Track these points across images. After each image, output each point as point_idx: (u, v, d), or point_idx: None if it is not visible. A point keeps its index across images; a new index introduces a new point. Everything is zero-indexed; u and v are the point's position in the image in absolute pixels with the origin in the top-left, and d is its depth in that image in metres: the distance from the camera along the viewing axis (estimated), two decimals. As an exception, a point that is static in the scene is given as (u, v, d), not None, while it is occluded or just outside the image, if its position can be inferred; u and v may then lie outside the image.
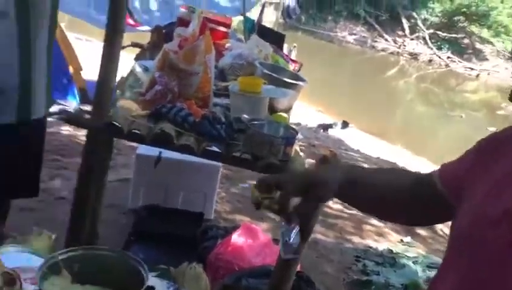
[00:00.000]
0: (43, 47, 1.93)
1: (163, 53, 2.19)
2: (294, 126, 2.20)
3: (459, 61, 18.25)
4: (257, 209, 1.00)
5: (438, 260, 3.46)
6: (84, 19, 6.15)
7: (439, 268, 0.91)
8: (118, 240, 2.74)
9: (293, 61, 3.27)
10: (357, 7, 19.76)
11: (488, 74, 17.74)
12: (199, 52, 2.15)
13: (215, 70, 2.54)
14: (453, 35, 19.13)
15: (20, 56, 1.85)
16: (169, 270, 1.40)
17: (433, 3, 20.13)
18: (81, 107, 5.03)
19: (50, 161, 3.85)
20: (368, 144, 7.44)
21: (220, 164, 3.00)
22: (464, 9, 19.29)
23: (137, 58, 3.74)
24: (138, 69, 2.62)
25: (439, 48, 19.00)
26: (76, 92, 5.10)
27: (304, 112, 8.29)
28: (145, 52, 3.50)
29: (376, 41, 19.69)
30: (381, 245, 3.73)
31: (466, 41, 19.26)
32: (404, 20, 19.74)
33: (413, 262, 3.50)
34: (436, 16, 19.97)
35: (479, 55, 18.93)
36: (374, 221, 4.02)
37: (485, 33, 19.03)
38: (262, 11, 6.40)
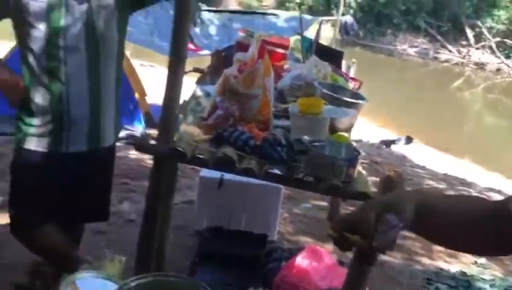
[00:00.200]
0: (112, 79, 2.04)
1: (224, 78, 2.25)
2: (355, 143, 2.17)
3: (530, 69, 17.34)
4: (346, 251, 0.98)
5: (517, 282, 3.26)
6: (148, 47, 6.44)
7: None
8: (184, 261, 2.79)
9: (353, 79, 3.24)
10: (417, 19, 19.32)
11: None
12: (258, 76, 2.18)
13: (275, 92, 2.57)
14: (522, 42, 18.25)
15: (90, 88, 1.97)
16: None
17: (498, 11, 19.32)
18: (147, 131, 5.24)
19: (119, 184, 4.01)
20: (433, 160, 7.18)
21: (282, 184, 3.00)
22: (533, 15, 18.39)
23: (199, 82, 3.85)
24: (200, 94, 2.70)
25: (508, 57, 18.14)
26: (142, 116, 5.31)
27: (365, 128, 8.14)
28: (206, 77, 3.60)
29: (439, 52, 19.11)
30: (454, 267, 3.56)
31: (537, 47, 18.30)
32: (468, 30, 19.06)
33: (490, 285, 3.31)
34: (503, 23, 19.13)
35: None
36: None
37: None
38: (319, 29, 6.40)
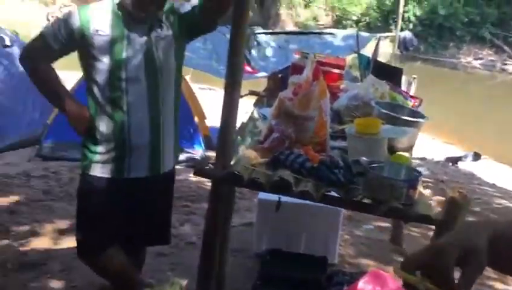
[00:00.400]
0: (171, 106, 2.10)
1: (279, 101, 2.26)
2: (419, 161, 2.10)
3: None
4: None
5: None
6: (207, 71, 6.61)
7: None
8: (244, 284, 2.79)
9: (412, 97, 3.15)
10: (481, 30, 18.62)
11: None
12: (314, 98, 2.18)
13: (331, 112, 2.55)
14: None
15: (150, 116, 2.04)
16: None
17: None
18: (207, 153, 5.33)
19: (180, 207, 4.09)
20: (504, 177, 6.79)
21: (341, 206, 2.94)
22: None
23: (256, 103, 3.90)
24: (257, 116, 2.73)
25: None
26: (201, 139, 5.43)
27: (429, 144, 7.87)
28: (263, 99, 3.64)
29: (506, 63, 18.26)
30: (529, 291, 3.33)
31: None
32: (537, 38, 18.12)
33: None
34: None
35: None
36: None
37: None
38: (377, 46, 6.32)
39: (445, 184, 5.54)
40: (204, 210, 2.29)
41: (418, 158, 6.93)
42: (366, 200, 1.88)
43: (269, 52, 6.55)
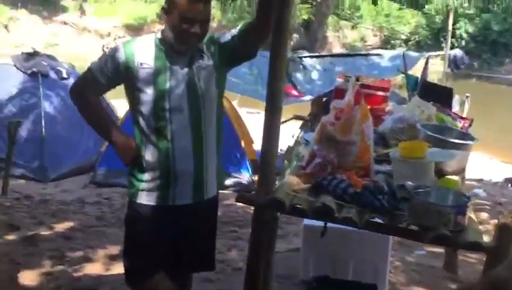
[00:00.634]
0: (213, 133, 2.14)
1: (321, 126, 2.24)
2: (475, 182, 2.02)
3: None
4: None
5: None
6: (253, 96, 6.68)
7: None
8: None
9: (462, 118, 3.05)
10: (539, 44, 17.87)
11: None
12: (355, 122, 2.15)
13: (376, 135, 2.50)
14: None
15: (194, 144, 2.08)
16: None
17: None
18: (254, 178, 5.35)
19: (227, 232, 4.12)
20: None
21: (389, 231, 2.86)
22: None
23: (302, 127, 3.89)
24: (301, 140, 2.72)
25: None
26: (248, 164, 5.46)
27: (486, 165, 7.56)
28: (307, 123, 3.63)
29: None
30: None
31: None
32: None
33: None
34: None
35: None
36: None
37: None
38: (426, 66, 6.18)
39: (504, 207, 5.27)
40: (252, 236, 2.28)
41: (474, 179, 6.65)
42: (412, 227, 1.83)
43: (315, 75, 6.54)
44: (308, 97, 6.11)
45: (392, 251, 3.31)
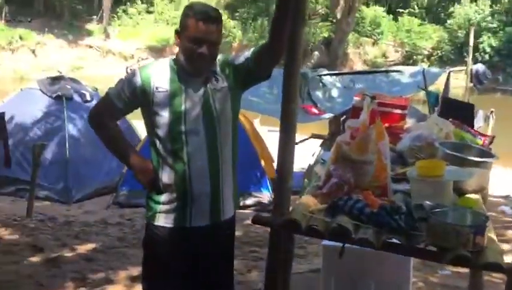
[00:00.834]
0: (229, 154, 2.15)
1: (336, 145, 2.24)
2: (502, 199, 1.97)
3: None
4: None
5: None
6: (274, 115, 6.68)
7: None
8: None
9: (483, 135, 3.00)
10: None
11: None
12: (371, 141, 2.14)
13: (394, 154, 2.48)
14: None
15: (210, 165, 2.09)
16: None
17: None
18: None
19: (248, 252, 4.10)
20: None
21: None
22: None
23: (322, 145, 3.88)
24: (320, 159, 2.71)
25: None
26: (268, 183, 5.45)
27: (514, 181, 7.36)
28: (327, 142, 3.62)
29: None
30: None
31: None
32: None
33: None
34: None
35: None
36: None
37: None
38: (447, 81, 6.12)
39: (532, 225, 5.12)
40: (273, 256, 2.27)
41: (500, 196, 6.49)
42: (431, 247, 1.79)
43: (335, 92, 6.53)
44: (328, 115, 6.10)
45: (415, 271, 3.24)
